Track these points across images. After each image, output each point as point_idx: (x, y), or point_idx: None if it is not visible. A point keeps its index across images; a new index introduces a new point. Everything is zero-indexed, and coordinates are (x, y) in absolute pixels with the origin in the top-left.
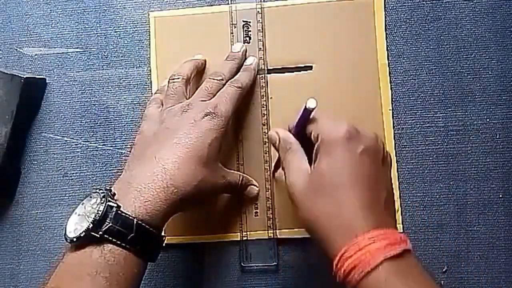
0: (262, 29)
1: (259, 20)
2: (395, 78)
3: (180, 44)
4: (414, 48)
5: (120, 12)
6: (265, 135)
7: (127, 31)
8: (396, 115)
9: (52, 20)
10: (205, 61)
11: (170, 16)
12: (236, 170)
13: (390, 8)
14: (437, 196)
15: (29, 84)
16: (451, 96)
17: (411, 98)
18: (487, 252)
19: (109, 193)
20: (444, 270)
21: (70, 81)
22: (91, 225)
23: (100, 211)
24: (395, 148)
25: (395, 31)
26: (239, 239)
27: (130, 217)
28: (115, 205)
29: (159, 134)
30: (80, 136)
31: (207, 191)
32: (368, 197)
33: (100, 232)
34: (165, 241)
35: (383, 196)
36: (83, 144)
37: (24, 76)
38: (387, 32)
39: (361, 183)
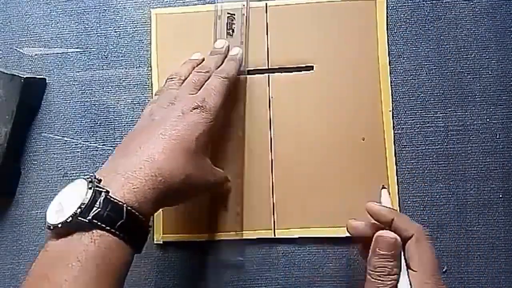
0: (245, 22)
1: (243, 14)
2: (395, 78)
3: (180, 42)
4: (414, 48)
5: (120, 12)
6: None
7: (127, 31)
8: (396, 115)
9: (52, 20)
10: (203, 59)
11: (171, 13)
12: (239, 170)
13: (390, 8)
14: (437, 196)
15: (29, 84)
16: (451, 96)
17: (411, 98)
18: (487, 252)
19: (95, 179)
20: (444, 270)
21: (70, 81)
22: (79, 210)
23: (89, 196)
24: (395, 148)
25: (395, 31)
26: (238, 238)
27: (120, 203)
28: (104, 190)
29: (146, 127)
30: (80, 136)
31: (197, 187)
32: None
33: (89, 217)
34: (161, 239)
35: None
36: (83, 144)
37: (24, 76)
38: (387, 32)
39: None
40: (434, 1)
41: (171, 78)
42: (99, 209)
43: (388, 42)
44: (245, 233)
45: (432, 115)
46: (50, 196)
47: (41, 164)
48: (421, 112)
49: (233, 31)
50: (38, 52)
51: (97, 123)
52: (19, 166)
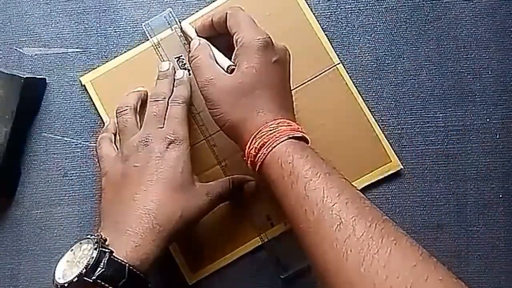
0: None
1: (189, 51)
2: (395, 78)
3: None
4: (414, 48)
5: (120, 12)
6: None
7: (127, 31)
8: (396, 115)
9: (52, 20)
10: (147, 92)
11: (102, 74)
12: (223, 172)
13: (390, 8)
14: (437, 196)
15: (29, 84)
16: (451, 96)
17: (411, 98)
18: (487, 252)
19: (101, 239)
20: None
21: (70, 81)
22: (85, 270)
23: (94, 256)
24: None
25: (395, 31)
26: (260, 242)
27: (123, 262)
28: (108, 250)
29: (128, 174)
30: (80, 136)
31: (194, 216)
32: (278, 98)
33: (93, 277)
34: (194, 281)
35: (288, 98)
36: (83, 144)
37: (24, 76)
38: (387, 32)
39: (273, 88)
40: (434, 1)
41: (122, 110)
42: (103, 269)
43: (388, 42)
44: (268, 233)
45: (432, 115)
46: (50, 196)
47: (41, 164)
48: (421, 112)
49: (189, 70)
50: (38, 52)
51: (97, 123)
52: (19, 166)
